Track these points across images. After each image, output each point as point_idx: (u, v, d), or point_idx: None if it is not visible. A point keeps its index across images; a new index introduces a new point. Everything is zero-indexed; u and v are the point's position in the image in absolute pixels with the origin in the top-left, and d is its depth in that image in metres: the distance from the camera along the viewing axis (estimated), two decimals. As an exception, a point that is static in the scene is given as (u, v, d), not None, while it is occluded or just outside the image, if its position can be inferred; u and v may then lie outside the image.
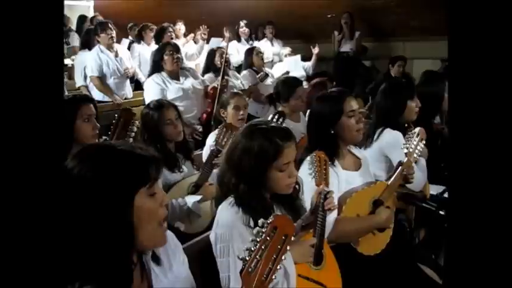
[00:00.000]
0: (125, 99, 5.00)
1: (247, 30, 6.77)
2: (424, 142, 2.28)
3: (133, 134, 2.40)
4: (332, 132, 2.17)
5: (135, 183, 1.12)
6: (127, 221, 1.10)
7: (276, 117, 2.97)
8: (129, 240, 1.12)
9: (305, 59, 6.38)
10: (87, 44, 5.27)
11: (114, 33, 4.89)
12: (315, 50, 6.10)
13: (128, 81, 5.14)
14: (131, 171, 1.12)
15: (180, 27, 6.55)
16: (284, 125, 2.69)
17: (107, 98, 4.84)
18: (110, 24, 4.88)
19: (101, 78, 4.83)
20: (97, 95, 4.82)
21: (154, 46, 5.58)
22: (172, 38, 5.55)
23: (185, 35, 6.59)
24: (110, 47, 4.87)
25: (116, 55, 4.94)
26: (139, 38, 6.16)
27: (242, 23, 6.69)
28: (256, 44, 6.90)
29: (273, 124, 1.72)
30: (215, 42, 5.74)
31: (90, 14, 8.35)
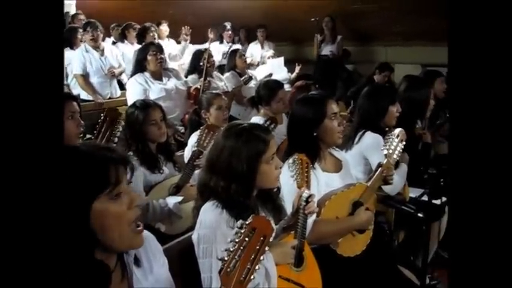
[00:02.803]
0: (109, 98, 4.97)
1: (231, 33, 6.78)
2: (404, 143, 2.31)
3: (118, 133, 2.39)
4: (314, 134, 2.18)
5: (91, 191, 1.09)
6: (85, 227, 1.07)
7: (268, 123, 2.99)
8: (89, 246, 1.09)
9: (291, 61, 6.41)
10: (67, 42, 5.21)
11: (98, 34, 4.88)
12: (297, 69, 6.13)
13: (115, 80, 5.11)
14: (87, 178, 1.09)
15: (165, 28, 6.53)
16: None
17: (91, 97, 4.82)
18: (94, 25, 4.88)
19: (85, 77, 4.83)
20: (82, 94, 4.82)
21: (137, 45, 5.57)
22: (155, 38, 5.54)
23: (169, 36, 6.58)
24: (94, 47, 4.88)
25: (102, 54, 4.93)
26: (123, 37, 6.13)
27: (228, 26, 6.69)
28: (250, 46, 6.97)
29: (248, 122, 1.79)
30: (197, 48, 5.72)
31: (72, 12, 8.24)
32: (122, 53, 5.78)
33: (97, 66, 4.87)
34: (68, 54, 5.01)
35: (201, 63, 4.44)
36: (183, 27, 5.83)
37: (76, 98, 2.39)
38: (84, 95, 4.82)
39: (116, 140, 2.35)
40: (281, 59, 6.16)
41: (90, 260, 1.10)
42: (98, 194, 1.10)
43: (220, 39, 6.75)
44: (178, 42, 6.40)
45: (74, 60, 4.83)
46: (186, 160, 2.71)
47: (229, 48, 6.24)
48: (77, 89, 4.91)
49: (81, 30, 5.17)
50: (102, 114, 2.39)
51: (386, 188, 2.39)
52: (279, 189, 1.83)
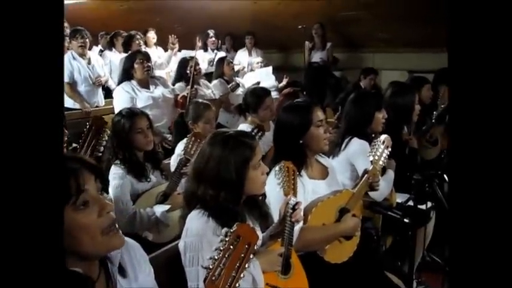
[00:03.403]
0: (96, 107, 4.95)
1: (215, 40, 6.77)
2: (389, 149, 2.34)
3: (104, 142, 2.37)
4: (301, 142, 2.19)
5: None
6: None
7: (255, 131, 3.01)
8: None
9: (279, 68, 6.43)
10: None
11: (86, 41, 4.87)
12: (284, 81, 6.16)
13: (100, 89, 5.10)
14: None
15: (152, 35, 6.53)
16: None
17: (77, 106, 4.79)
18: (83, 32, 4.85)
19: (72, 85, 4.79)
20: (67, 102, 4.76)
21: (125, 54, 5.55)
22: (140, 46, 5.54)
23: (156, 44, 6.58)
24: (82, 55, 4.85)
25: (89, 62, 4.92)
26: (111, 45, 6.11)
27: (211, 33, 6.68)
28: (238, 53, 6.99)
29: (233, 129, 1.82)
30: (185, 54, 5.73)
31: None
32: (109, 61, 5.77)
33: (85, 74, 4.85)
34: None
35: (188, 71, 4.45)
36: (170, 36, 5.83)
37: None
38: (71, 104, 4.78)
39: (102, 148, 2.34)
40: (269, 68, 6.18)
41: (64, 273, 1.07)
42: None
43: (205, 47, 6.72)
44: (166, 50, 6.41)
45: None
46: (172, 169, 2.71)
47: (215, 56, 6.24)
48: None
49: (67, 37, 5.15)
50: (87, 123, 2.38)
51: (373, 194, 2.41)
52: (264, 196, 1.83)
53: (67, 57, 4.80)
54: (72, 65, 4.78)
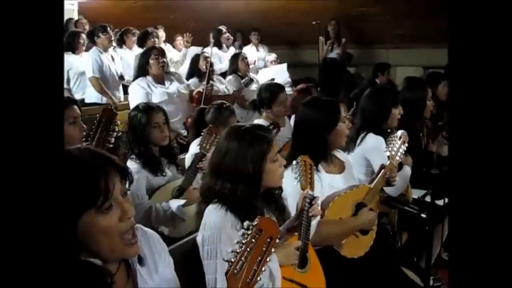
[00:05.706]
0: (119, 101, 5.01)
1: (228, 35, 6.73)
2: (406, 145, 2.32)
3: (115, 133, 2.36)
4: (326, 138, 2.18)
5: (79, 205, 1.04)
6: (70, 242, 1.02)
7: (271, 128, 2.99)
8: (74, 257, 1.06)
9: (290, 64, 6.41)
10: (69, 46, 5.21)
11: (112, 37, 4.95)
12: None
13: (121, 84, 5.15)
14: (75, 191, 1.03)
15: (161, 33, 6.54)
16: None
17: (104, 100, 4.83)
18: (109, 28, 4.95)
19: (101, 80, 4.83)
20: (93, 97, 4.86)
21: (136, 50, 5.61)
22: (155, 43, 5.57)
23: (165, 41, 6.59)
24: (106, 50, 4.92)
25: (112, 58, 5.01)
26: (121, 42, 6.13)
27: (224, 29, 6.63)
28: (245, 49, 6.96)
29: (249, 123, 1.82)
30: (194, 50, 5.74)
31: (75, 17, 8.28)
32: (120, 58, 5.81)
33: (112, 69, 4.92)
34: (70, 58, 5.02)
35: (203, 67, 4.48)
36: (184, 34, 5.85)
37: (77, 102, 2.39)
38: (98, 99, 4.84)
39: (112, 140, 2.32)
40: (284, 65, 6.16)
41: (82, 264, 1.07)
42: (86, 209, 1.06)
43: (219, 45, 6.58)
44: (174, 47, 6.43)
45: (89, 63, 4.82)
46: (187, 165, 2.72)
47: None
48: (79, 93, 4.92)
49: (83, 35, 5.20)
50: (97, 115, 2.37)
51: (389, 190, 2.40)
52: (281, 189, 1.83)
53: (94, 53, 4.87)
54: (102, 60, 4.83)
